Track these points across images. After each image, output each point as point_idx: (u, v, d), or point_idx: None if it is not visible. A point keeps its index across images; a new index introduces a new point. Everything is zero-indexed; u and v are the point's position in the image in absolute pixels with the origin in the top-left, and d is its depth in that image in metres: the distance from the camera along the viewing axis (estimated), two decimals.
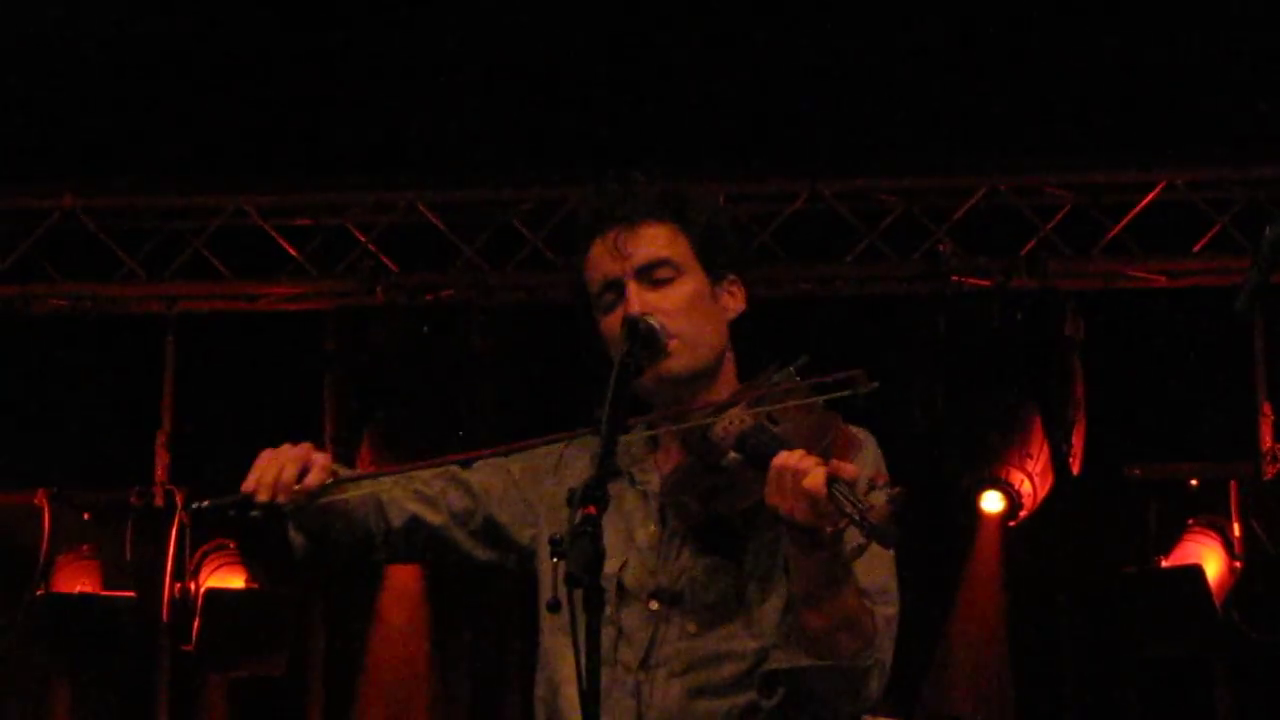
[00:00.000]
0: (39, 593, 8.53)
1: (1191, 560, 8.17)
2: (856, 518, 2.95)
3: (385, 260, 8.54)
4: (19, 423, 8.46)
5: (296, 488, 3.35)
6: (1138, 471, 8.31)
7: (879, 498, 2.96)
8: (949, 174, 8.46)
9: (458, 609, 8.63)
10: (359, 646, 8.59)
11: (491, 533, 3.56)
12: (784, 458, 3.05)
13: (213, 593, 8.46)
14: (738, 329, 3.48)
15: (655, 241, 3.42)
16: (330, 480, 3.39)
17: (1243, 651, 8.11)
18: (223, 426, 8.21)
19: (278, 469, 3.35)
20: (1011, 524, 8.25)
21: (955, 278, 8.34)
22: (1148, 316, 8.42)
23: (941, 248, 8.36)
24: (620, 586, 3.34)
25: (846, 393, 3.16)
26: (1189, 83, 7.81)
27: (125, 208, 8.64)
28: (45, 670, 8.66)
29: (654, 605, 3.32)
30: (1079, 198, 8.40)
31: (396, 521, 3.52)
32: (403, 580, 8.51)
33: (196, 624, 8.42)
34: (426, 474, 3.57)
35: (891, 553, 3.19)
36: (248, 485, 3.36)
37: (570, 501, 3.02)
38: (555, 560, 2.93)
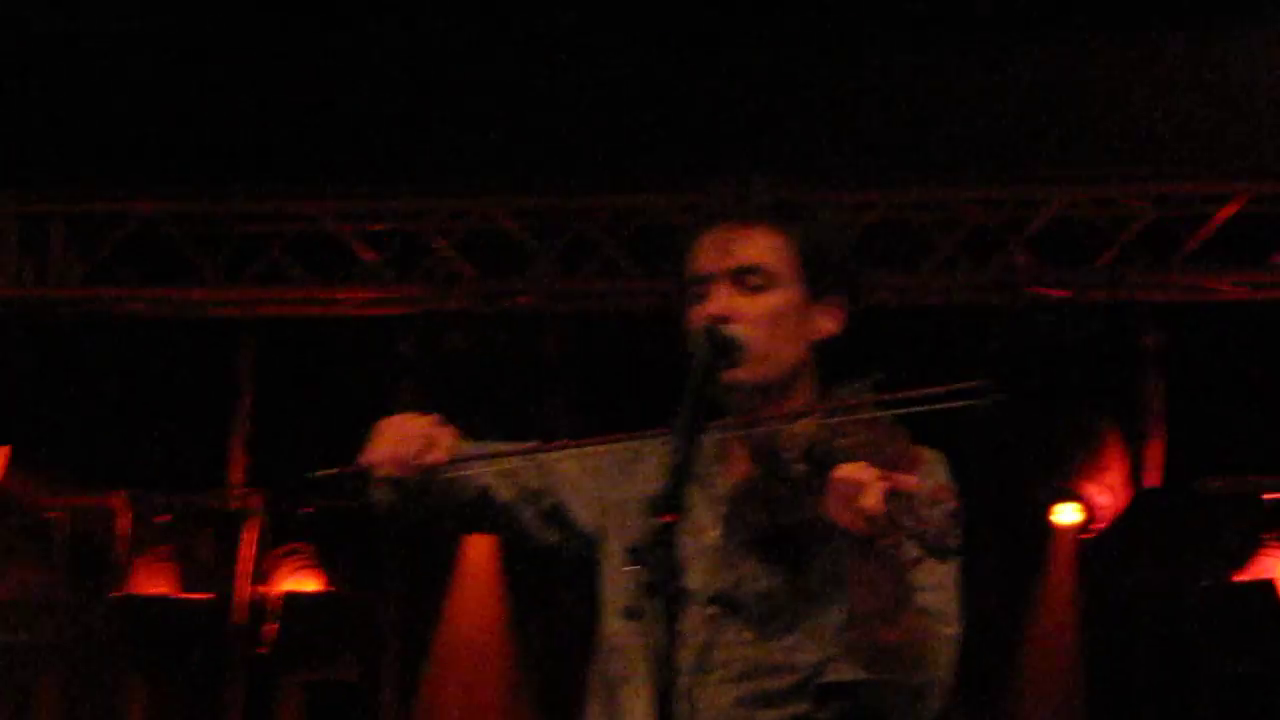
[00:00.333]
0: (116, 594, 8.62)
1: (1266, 575, 8.13)
2: (913, 531, 2.96)
3: (462, 266, 8.58)
4: (98, 426, 8.53)
5: (417, 463, 3.34)
6: (1214, 486, 8.27)
7: (937, 512, 2.95)
8: (1026, 184, 8.43)
9: (530, 613, 8.66)
10: (428, 651, 8.63)
11: (558, 515, 3.56)
12: (844, 469, 3.04)
13: (292, 596, 8.52)
14: (825, 348, 3.42)
15: (758, 246, 3.38)
16: (449, 460, 3.37)
17: None
18: (299, 430, 8.26)
19: (402, 444, 3.33)
20: (1084, 536, 8.22)
21: (1030, 289, 8.32)
22: (1226, 329, 8.37)
23: (1019, 259, 8.33)
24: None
25: (914, 409, 3.15)
26: (1265, 92, 7.76)
27: (204, 213, 8.68)
28: (122, 671, 8.73)
29: (712, 610, 3.30)
30: (1158, 209, 8.35)
31: (469, 493, 3.51)
32: (475, 582, 8.54)
33: (273, 627, 8.48)
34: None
35: (955, 574, 3.19)
36: (370, 458, 3.34)
37: (651, 508, 3.00)
38: (634, 567, 2.90)
